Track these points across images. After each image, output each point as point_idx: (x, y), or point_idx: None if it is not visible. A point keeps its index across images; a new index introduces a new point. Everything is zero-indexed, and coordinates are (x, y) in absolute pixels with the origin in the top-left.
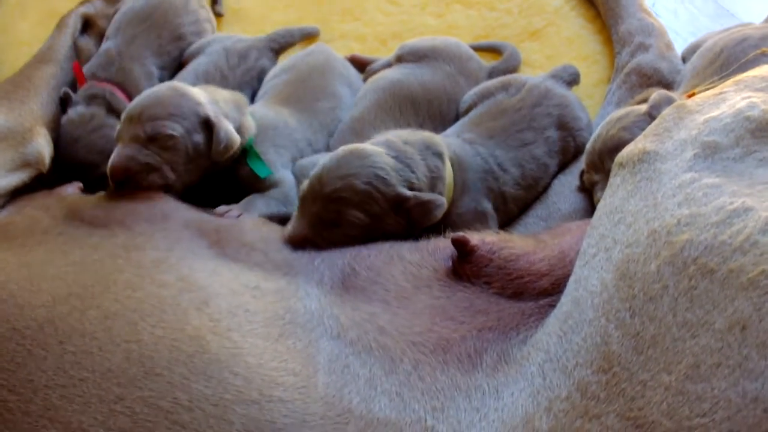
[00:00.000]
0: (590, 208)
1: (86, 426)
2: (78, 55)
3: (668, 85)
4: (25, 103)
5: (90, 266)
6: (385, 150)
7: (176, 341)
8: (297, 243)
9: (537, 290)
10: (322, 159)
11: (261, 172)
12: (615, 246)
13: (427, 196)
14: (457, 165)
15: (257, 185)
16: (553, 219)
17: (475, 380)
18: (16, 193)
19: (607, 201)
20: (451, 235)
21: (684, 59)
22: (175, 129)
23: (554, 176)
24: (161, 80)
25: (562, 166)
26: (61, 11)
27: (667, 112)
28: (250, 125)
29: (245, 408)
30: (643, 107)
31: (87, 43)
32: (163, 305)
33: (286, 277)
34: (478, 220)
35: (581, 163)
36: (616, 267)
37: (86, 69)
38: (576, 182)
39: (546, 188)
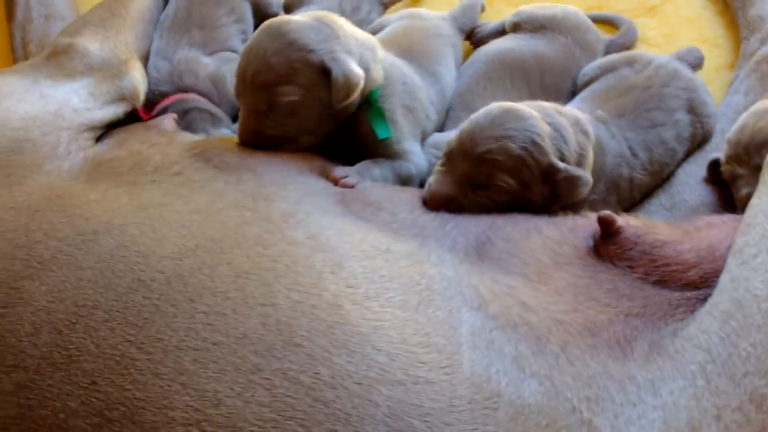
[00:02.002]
0: (720, 202)
1: (222, 396)
2: None
3: None
4: (121, 33)
5: (215, 216)
6: (540, 115)
7: (314, 308)
8: (439, 202)
9: (684, 281)
10: (473, 115)
11: (381, 132)
12: None
13: (576, 171)
14: (597, 147)
15: (378, 148)
16: (678, 210)
17: (627, 370)
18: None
19: (763, 199)
20: (598, 213)
21: None
22: (292, 92)
23: (678, 164)
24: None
25: (686, 155)
26: None
27: None
28: (378, 75)
29: (390, 389)
30: None
31: None
32: (296, 266)
33: (416, 239)
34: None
35: (707, 153)
36: None
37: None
38: (702, 173)
39: (669, 176)
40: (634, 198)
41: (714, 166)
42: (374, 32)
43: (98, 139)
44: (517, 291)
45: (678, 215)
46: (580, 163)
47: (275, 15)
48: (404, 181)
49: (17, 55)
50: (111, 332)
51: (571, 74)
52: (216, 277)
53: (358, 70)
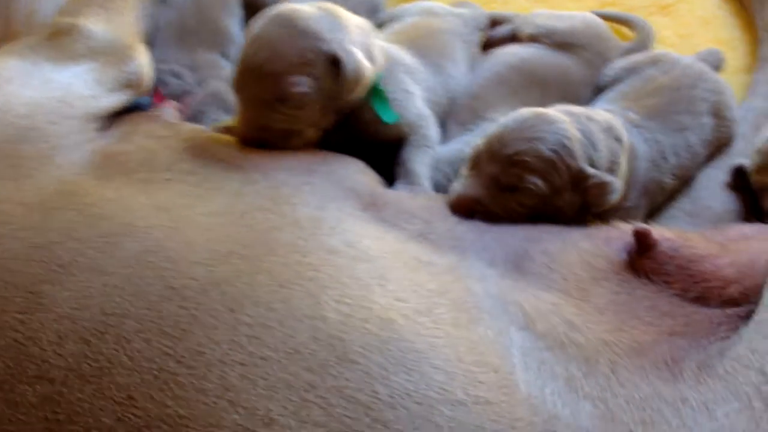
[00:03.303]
0: (745, 210)
1: (275, 414)
2: None
3: None
4: (123, 15)
5: (240, 219)
6: (570, 120)
7: (366, 322)
8: (466, 205)
9: (724, 297)
10: (502, 119)
11: (387, 117)
12: None
13: (606, 177)
14: (630, 153)
15: (384, 132)
16: (702, 217)
17: (679, 391)
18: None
19: None
20: (633, 226)
21: None
22: (304, 83)
23: (699, 169)
24: None
25: (707, 159)
26: None
27: None
28: (380, 61)
29: (452, 409)
30: None
31: None
32: (340, 276)
33: (454, 251)
34: (635, 216)
35: (729, 158)
36: None
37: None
38: (724, 178)
39: (690, 181)
40: (658, 203)
41: (738, 172)
42: (388, 22)
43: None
44: (561, 308)
45: (701, 222)
46: (611, 171)
47: None
48: (432, 146)
49: None
50: (146, 344)
51: (590, 85)
52: (256, 285)
53: (367, 63)
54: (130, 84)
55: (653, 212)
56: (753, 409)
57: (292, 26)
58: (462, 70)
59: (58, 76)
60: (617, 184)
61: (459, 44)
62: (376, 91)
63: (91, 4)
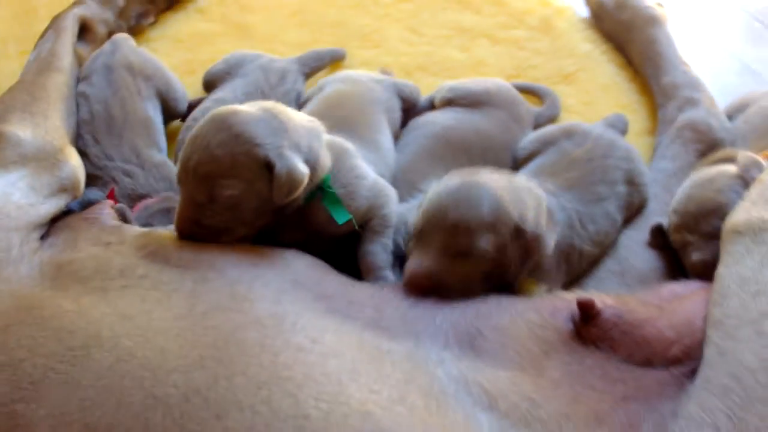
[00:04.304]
0: (668, 267)
1: None
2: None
3: (719, 142)
4: (49, 118)
5: (203, 320)
6: (497, 181)
7: (347, 417)
8: (422, 278)
9: (668, 358)
10: (434, 189)
11: (339, 218)
12: (763, 319)
13: (541, 230)
14: (549, 216)
15: (341, 228)
16: (629, 275)
17: None
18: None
19: (731, 270)
20: (577, 297)
21: (729, 117)
22: (233, 186)
23: (619, 231)
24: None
25: (625, 221)
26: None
27: None
28: (327, 161)
29: None
30: (731, 169)
31: (84, 49)
32: (314, 373)
33: (409, 337)
34: (555, 279)
35: (647, 219)
36: None
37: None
38: (642, 238)
39: (611, 245)
40: (582, 269)
41: (657, 231)
42: (313, 95)
43: (44, 237)
44: (519, 385)
45: (629, 280)
46: (538, 226)
47: (181, 113)
48: (390, 230)
49: None
50: None
51: (509, 148)
52: (236, 389)
53: (302, 168)
54: (64, 188)
55: (580, 276)
56: None
57: (228, 130)
58: (389, 140)
59: None
60: (550, 236)
61: (383, 113)
62: (326, 194)
63: (15, 110)
